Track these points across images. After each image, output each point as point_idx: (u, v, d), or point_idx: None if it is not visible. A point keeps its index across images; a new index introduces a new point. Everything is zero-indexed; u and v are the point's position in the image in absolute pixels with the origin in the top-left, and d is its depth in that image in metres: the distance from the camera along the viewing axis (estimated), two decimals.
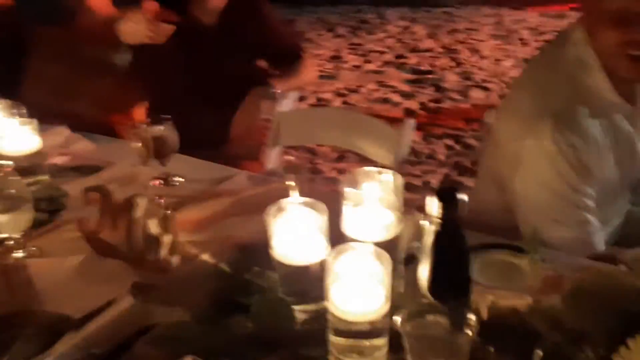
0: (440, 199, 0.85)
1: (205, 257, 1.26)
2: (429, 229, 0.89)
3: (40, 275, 1.21)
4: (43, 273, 1.22)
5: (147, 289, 1.17)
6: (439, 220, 0.87)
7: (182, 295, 1.16)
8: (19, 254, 1.28)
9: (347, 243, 0.97)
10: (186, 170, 1.65)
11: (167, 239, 1.22)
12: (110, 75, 2.19)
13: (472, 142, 3.83)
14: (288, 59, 2.23)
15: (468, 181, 3.36)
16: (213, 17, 2.11)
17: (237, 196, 1.50)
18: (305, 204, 1.04)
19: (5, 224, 1.23)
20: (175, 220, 1.27)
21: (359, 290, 0.93)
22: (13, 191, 1.23)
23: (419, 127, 3.89)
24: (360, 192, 1.04)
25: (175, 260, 1.23)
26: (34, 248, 1.30)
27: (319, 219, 1.02)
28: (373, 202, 1.04)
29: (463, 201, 0.85)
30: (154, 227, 1.22)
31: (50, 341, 1.04)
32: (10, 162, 1.33)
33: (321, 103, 4.63)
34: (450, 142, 3.86)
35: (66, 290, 1.17)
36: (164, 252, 1.22)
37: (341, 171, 3.51)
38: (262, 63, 2.32)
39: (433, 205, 0.87)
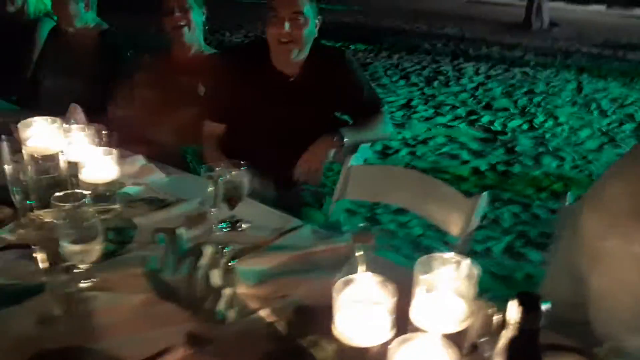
0: (523, 305, 0.81)
1: (263, 313, 1.24)
2: (505, 333, 0.85)
3: (101, 311, 1.22)
4: (104, 308, 1.23)
5: (201, 340, 1.16)
6: (517, 327, 0.83)
7: (235, 352, 1.14)
8: (84, 283, 1.30)
9: (413, 332, 0.93)
10: (252, 216, 1.65)
11: (227, 291, 1.21)
12: (194, 108, 2.26)
13: (540, 212, 3.70)
14: (365, 113, 2.23)
15: (531, 253, 3.24)
16: (294, 69, 2.15)
17: (300, 252, 1.48)
18: (375, 282, 1.00)
19: (75, 254, 1.25)
20: (237, 273, 1.26)
21: None
22: (86, 223, 1.25)
23: (485, 189, 3.81)
24: (434, 278, 1.00)
25: (231, 314, 1.21)
26: (98, 279, 1.32)
27: (386, 300, 0.98)
28: (446, 290, 0.99)
29: (544, 312, 0.81)
30: (215, 278, 1.21)
31: None
32: (88, 193, 1.37)
33: (387, 152, 4.61)
34: (516, 208, 3.74)
35: (124, 331, 1.17)
36: (222, 304, 1.21)
37: (400, 224, 3.46)
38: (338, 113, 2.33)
39: (513, 309, 0.82)
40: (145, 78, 2.48)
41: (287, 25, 2.05)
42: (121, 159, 1.68)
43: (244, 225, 1.61)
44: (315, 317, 1.19)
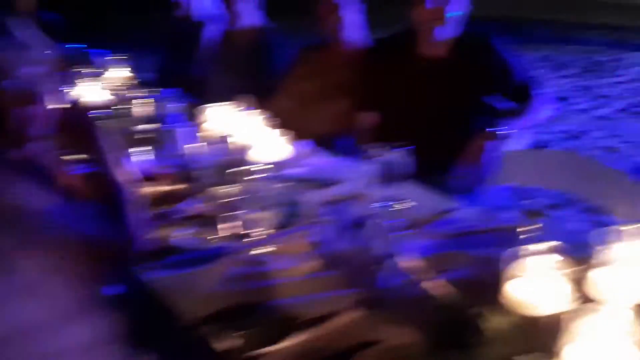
0: None
1: (428, 284, 1.27)
2: None
3: (274, 273, 1.33)
4: (277, 272, 1.33)
5: (368, 304, 1.21)
6: None
7: (401, 318, 1.17)
8: (260, 250, 1.41)
9: (594, 303, 0.90)
10: (411, 196, 1.68)
11: (392, 260, 1.25)
12: (348, 100, 2.34)
13: None
14: (519, 97, 2.18)
15: None
16: (440, 52, 2.16)
17: (463, 229, 1.49)
18: (550, 253, 0.99)
19: (256, 221, 1.37)
20: (401, 245, 1.30)
21: (601, 354, 0.86)
22: (266, 194, 1.37)
23: None
24: (618, 249, 0.96)
25: (397, 282, 1.25)
26: (271, 246, 1.43)
27: (563, 271, 0.96)
28: (630, 263, 0.95)
29: None
30: (380, 248, 1.26)
31: (281, 335, 1.12)
32: (261, 170, 1.49)
33: (541, 145, 4.39)
34: None
35: (295, 292, 1.26)
36: (387, 272, 1.25)
37: (562, 218, 3.28)
38: (492, 99, 2.29)
39: None
40: (302, 72, 2.61)
41: (429, 2, 2.07)
42: (288, 142, 1.80)
43: (403, 205, 1.65)
44: (481, 290, 1.19)
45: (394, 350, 1.07)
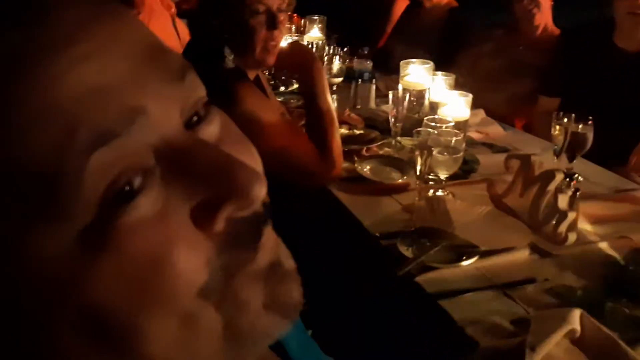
0: None
1: (601, 245, 1.33)
2: None
3: (454, 210, 1.46)
4: (457, 209, 1.47)
5: (541, 251, 1.30)
6: None
7: (572, 269, 1.25)
8: (438, 192, 1.55)
9: None
10: (588, 172, 1.72)
11: (571, 215, 1.32)
12: (530, 84, 2.39)
13: None
14: None
15: None
16: (637, 46, 2.13)
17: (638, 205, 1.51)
18: None
19: (439, 163, 1.50)
20: (579, 204, 1.37)
21: None
22: (451, 142, 1.50)
23: None
24: None
25: (572, 237, 1.32)
26: (448, 192, 1.55)
27: None
28: None
29: None
30: (562, 201, 1.33)
31: (457, 257, 1.25)
32: (451, 123, 1.62)
33: None
34: None
35: (474, 227, 1.38)
36: (563, 226, 1.32)
37: None
38: None
39: None
40: (488, 51, 2.68)
41: None
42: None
43: (579, 177, 1.69)
44: None
45: (560, 289, 1.16)
